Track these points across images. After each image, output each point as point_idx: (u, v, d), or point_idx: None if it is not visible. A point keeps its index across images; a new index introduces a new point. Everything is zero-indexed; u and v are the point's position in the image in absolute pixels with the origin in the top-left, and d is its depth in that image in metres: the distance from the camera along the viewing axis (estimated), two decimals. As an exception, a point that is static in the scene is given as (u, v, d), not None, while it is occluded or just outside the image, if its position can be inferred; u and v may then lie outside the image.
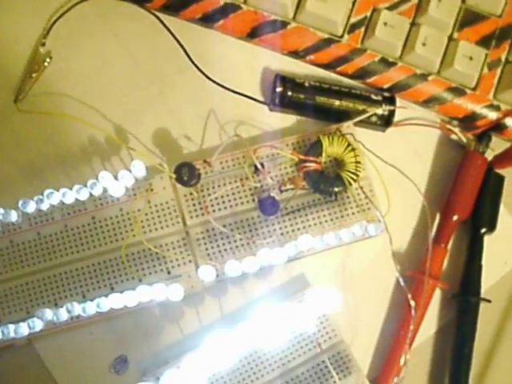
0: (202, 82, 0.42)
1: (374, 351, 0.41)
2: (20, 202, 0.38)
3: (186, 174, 0.38)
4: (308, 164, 0.40)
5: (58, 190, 0.38)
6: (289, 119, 0.43)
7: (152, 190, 0.40)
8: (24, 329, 0.37)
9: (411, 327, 0.37)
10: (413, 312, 0.37)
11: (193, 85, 0.42)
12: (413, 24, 0.41)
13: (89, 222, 0.40)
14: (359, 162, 0.40)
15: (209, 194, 0.40)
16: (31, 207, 0.39)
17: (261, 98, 0.42)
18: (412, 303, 0.37)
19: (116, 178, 0.39)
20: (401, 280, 0.38)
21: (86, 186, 0.39)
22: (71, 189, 0.38)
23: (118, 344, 0.40)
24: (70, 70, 0.43)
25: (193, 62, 0.42)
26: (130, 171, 0.38)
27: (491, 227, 0.42)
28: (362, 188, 0.40)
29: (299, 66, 0.43)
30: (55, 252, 0.40)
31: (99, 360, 0.40)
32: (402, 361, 0.38)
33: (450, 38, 0.42)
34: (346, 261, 0.41)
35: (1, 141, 0.42)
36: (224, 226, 0.39)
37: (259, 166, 0.38)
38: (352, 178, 0.40)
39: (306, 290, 0.40)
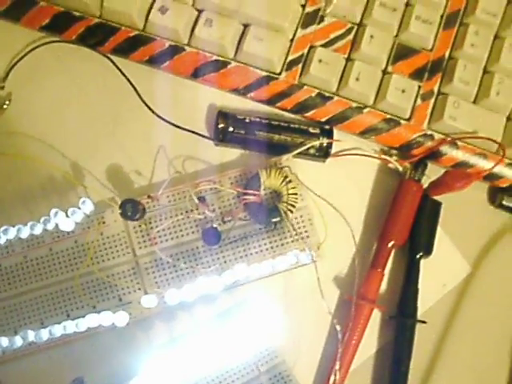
0: (152, 120, 0.44)
1: (316, 372, 0.43)
2: (-22, 238, 0.41)
3: (130, 209, 0.41)
4: (247, 196, 0.42)
5: (13, 226, 0.41)
6: (233, 153, 0.45)
7: (104, 222, 0.43)
8: (-18, 355, 0.41)
9: (339, 349, 0.39)
10: (339, 335, 0.39)
11: (143, 122, 0.45)
12: (348, 59, 0.44)
13: (47, 253, 0.43)
14: (295, 194, 0.42)
15: (156, 226, 0.43)
16: (-11, 242, 0.42)
17: (207, 134, 0.45)
18: (338, 327, 0.39)
19: (67, 214, 0.41)
20: (325, 305, 0.40)
21: (39, 222, 0.41)
22: (26, 225, 0.41)
23: (76, 366, 0.43)
24: (28, 110, 0.46)
25: (143, 101, 0.44)
26: (80, 208, 0.41)
27: (427, 252, 0.44)
28: (301, 217, 0.43)
29: (242, 102, 0.45)
30: (15, 282, 0.43)
31: (58, 382, 0.43)
32: (331, 381, 0.40)
33: (385, 72, 0.44)
34: (289, 286, 0.44)
35: (-39, 179, 0.45)
36: (170, 256, 0.42)
37: (196, 201, 0.41)
38: (289, 210, 0.42)
39: (248, 313, 0.42)
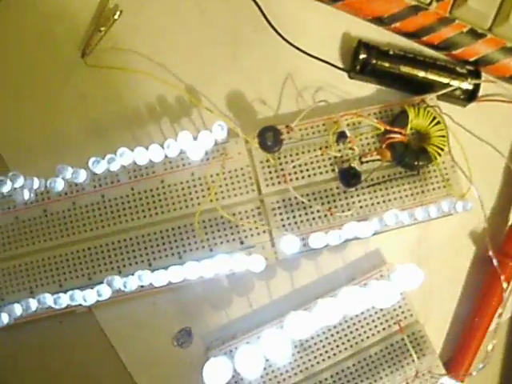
0: (278, 44, 0.39)
1: (447, 333, 0.40)
2: (91, 161, 0.36)
3: (271, 138, 0.36)
4: (393, 135, 0.38)
5: (132, 150, 0.36)
6: (368, 88, 0.41)
7: (226, 154, 0.38)
8: (93, 296, 0.35)
9: (499, 311, 0.36)
10: (505, 295, 0.36)
11: (269, 47, 0.40)
12: (506, -8, 0.39)
13: (157, 185, 0.38)
14: (444, 136, 0.38)
15: (286, 162, 0.38)
16: (101, 167, 0.36)
17: (339, 65, 0.40)
18: (505, 285, 0.35)
19: (195, 139, 0.36)
20: (495, 261, 0.36)
21: (162, 146, 0.36)
22: (147, 148, 0.36)
23: (182, 316, 0.38)
24: (139, 25, 0.40)
25: (269, 23, 0.39)
26: (211, 132, 0.36)
27: None
28: (443, 163, 0.39)
29: (379, 33, 0.41)
30: (120, 217, 0.38)
31: (162, 331, 0.38)
32: (486, 346, 0.36)
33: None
34: (422, 238, 0.40)
35: (66, 95, 0.39)
36: (301, 196, 0.37)
37: (348, 134, 0.36)
38: (437, 153, 0.38)
39: (384, 266, 0.38)
